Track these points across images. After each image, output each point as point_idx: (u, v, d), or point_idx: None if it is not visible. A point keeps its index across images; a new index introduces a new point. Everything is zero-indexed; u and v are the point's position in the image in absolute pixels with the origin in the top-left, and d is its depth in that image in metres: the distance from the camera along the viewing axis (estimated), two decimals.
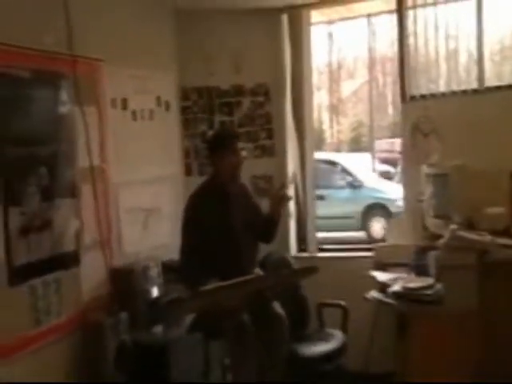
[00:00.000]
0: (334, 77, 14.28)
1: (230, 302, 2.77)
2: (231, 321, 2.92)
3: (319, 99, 14.02)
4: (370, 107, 13.19)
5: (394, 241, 3.95)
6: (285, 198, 3.33)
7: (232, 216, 3.14)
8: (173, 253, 3.32)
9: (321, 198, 8.70)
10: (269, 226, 3.29)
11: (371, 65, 13.05)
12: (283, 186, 3.52)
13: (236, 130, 4.03)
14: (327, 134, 14.95)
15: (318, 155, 10.58)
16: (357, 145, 14.68)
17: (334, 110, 14.73)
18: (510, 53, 4.41)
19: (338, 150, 14.10)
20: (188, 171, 4.29)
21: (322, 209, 8.28)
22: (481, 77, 3.90)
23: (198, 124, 4.30)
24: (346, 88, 14.89)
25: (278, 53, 4.24)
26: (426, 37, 4.02)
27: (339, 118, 14.96)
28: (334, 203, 8.71)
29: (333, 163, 9.68)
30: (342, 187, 9.28)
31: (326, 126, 14.96)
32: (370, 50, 12.42)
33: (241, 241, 3.14)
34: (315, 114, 14.77)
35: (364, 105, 14.42)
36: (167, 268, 3.53)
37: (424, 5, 4.02)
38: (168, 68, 4.12)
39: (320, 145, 14.09)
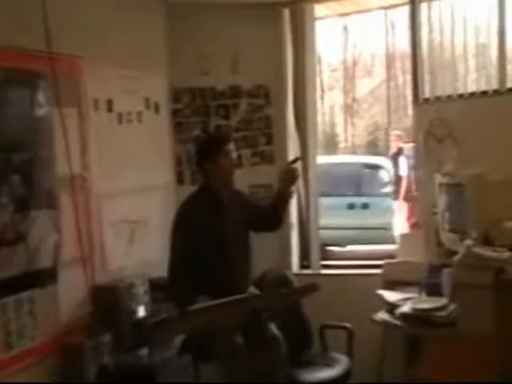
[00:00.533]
0: (349, 75, 14.33)
1: (222, 322, 2.76)
2: (223, 343, 2.93)
3: (332, 99, 14.07)
4: (388, 108, 13.19)
5: (404, 257, 3.94)
6: (296, 174, 3.31)
7: (225, 228, 3.16)
8: (161, 269, 3.31)
9: (365, 206, 8.73)
10: (277, 206, 3.29)
11: (389, 62, 13.08)
12: (296, 159, 3.50)
13: (232, 134, 4.06)
14: (341, 137, 14.96)
15: (360, 159, 10.53)
16: (374, 149, 14.67)
17: (349, 110, 14.76)
18: None
19: (353, 154, 14.09)
20: (180, 180, 4.31)
21: (367, 219, 8.35)
22: (502, 76, 3.89)
23: (191, 128, 4.32)
24: (362, 87, 14.92)
25: (279, 51, 4.27)
26: (441, 33, 4.03)
27: (354, 119, 14.96)
28: (380, 212, 8.57)
29: (377, 167, 9.48)
30: (388, 195, 8.90)
31: (339, 128, 14.98)
32: (388, 46, 12.47)
33: (234, 256, 3.16)
34: (327, 116, 14.86)
35: (382, 105, 14.42)
36: (155, 286, 3.54)
37: None
38: (158, 67, 4.14)
39: (333, 149, 14.12)
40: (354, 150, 14.59)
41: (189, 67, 4.27)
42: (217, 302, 2.73)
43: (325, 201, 8.89)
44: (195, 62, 4.25)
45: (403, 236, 4.26)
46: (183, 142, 4.31)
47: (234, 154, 3.26)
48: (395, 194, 8.21)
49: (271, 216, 3.32)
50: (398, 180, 8.13)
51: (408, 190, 7.71)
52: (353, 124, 15.01)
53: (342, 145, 14.80)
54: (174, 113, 4.33)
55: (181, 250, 3.10)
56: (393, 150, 8.66)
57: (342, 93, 14.37)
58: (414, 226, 4.62)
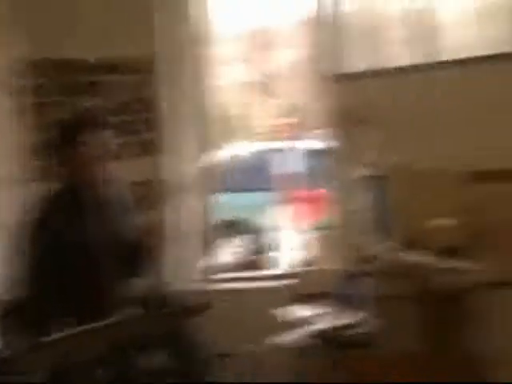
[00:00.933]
0: (260, 45, 14.43)
1: (87, 354, 2.74)
2: (90, 380, 2.88)
3: (237, 75, 14.06)
4: (307, 87, 13.34)
5: (317, 265, 4.04)
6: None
7: (94, 235, 3.13)
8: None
9: None
10: (138, 255, 3.34)
11: (309, 29, 13.26)
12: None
13: (103, 117, 4.01)
14: (247, 122, 15.03)
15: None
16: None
17: (261, 89, 14.84)
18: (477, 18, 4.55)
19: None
20: (37, 175, 4.21)
21: None
22: (435, 48, 4.05)
23: (50, 111, 4.23)
24: (278, 60, 15.04)
25: (163, 14, 4.25)
26: None
27: (266, 99, 15.06)
28: None
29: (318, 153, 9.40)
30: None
31: (249, 110, 15.05)
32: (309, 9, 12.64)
33: (104, 269, 3.13)
34: (231, 96, 14.90)
35: (301, 82, 14.59)
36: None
37: None
38: (2, 31, 4.05)
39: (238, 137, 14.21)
40: (265, 137, 14.69)
41: (47, 33, 4.16)
42: (79, 329, 2.70)
43: (252, 197, 9.06)
44: (55, 26, 4.17)
45: (312, 240, 4.38)
46: (41, 129, 4.21)
47: (104, 142, 3.22)
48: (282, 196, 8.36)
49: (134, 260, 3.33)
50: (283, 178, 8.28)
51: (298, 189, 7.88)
52: (264, 104, 15.11)
53: (245, 130, 14.85)
54: (31, 91, 4.24)
55: (35, 261, 3.04)
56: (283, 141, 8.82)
57: (249, 67, 14.43)
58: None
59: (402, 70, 4.10)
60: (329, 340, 3.35)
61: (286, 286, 4.02)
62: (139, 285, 3.52)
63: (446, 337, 3.32)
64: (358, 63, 4.21)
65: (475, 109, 3.86)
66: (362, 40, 4.22)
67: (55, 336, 2.71)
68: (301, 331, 3.51)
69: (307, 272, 4.08)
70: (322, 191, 4.69)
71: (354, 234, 3.88)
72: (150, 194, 4.14)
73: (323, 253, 4.08)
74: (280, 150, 9.91)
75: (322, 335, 3.36)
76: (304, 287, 3.89)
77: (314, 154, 8.48)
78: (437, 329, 3.31)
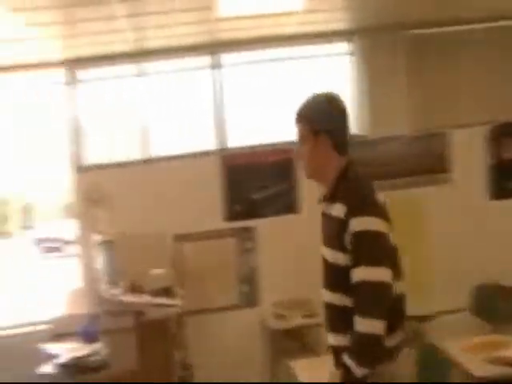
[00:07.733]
0: None
1: None
2: None
3: None
4: None
5: (71, 310, 4.56)
6: None
7: None
8: None
9: None
10: None
11: None
12: None
13: None
14: None
15: None
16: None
17: None
18: None
19: None
20: None
21: None
22: (146, 147, 4.96)
23: None
24: None
25: None
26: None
27: None
28: None
29: None
30: None
31: None
32: None
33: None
34: None
35: None
36: None
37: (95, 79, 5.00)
38: None
39: None
40: None
41: None
42: None
43: None
44: None
45: (69, 292, 4.92)
46: None
47: None
48: None
49: None
50: None
51: None
52: None
53: None
54: None
55: None
56: None
57: None
58: None
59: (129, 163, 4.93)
60: (71, 368, 3.60)
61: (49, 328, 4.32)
62: None
63: (158, 356, 3.97)
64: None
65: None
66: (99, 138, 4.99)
67: None
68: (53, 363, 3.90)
69: (65, 316, 4.52)
70: None
71: (99, 284, 4.51)
72: None
73: (77, 300, 4.65)
74: None
75: (65, 365, 3.61)
76: (62, 328, 4.22)
77: None
78: (152, 351, 3.95)
